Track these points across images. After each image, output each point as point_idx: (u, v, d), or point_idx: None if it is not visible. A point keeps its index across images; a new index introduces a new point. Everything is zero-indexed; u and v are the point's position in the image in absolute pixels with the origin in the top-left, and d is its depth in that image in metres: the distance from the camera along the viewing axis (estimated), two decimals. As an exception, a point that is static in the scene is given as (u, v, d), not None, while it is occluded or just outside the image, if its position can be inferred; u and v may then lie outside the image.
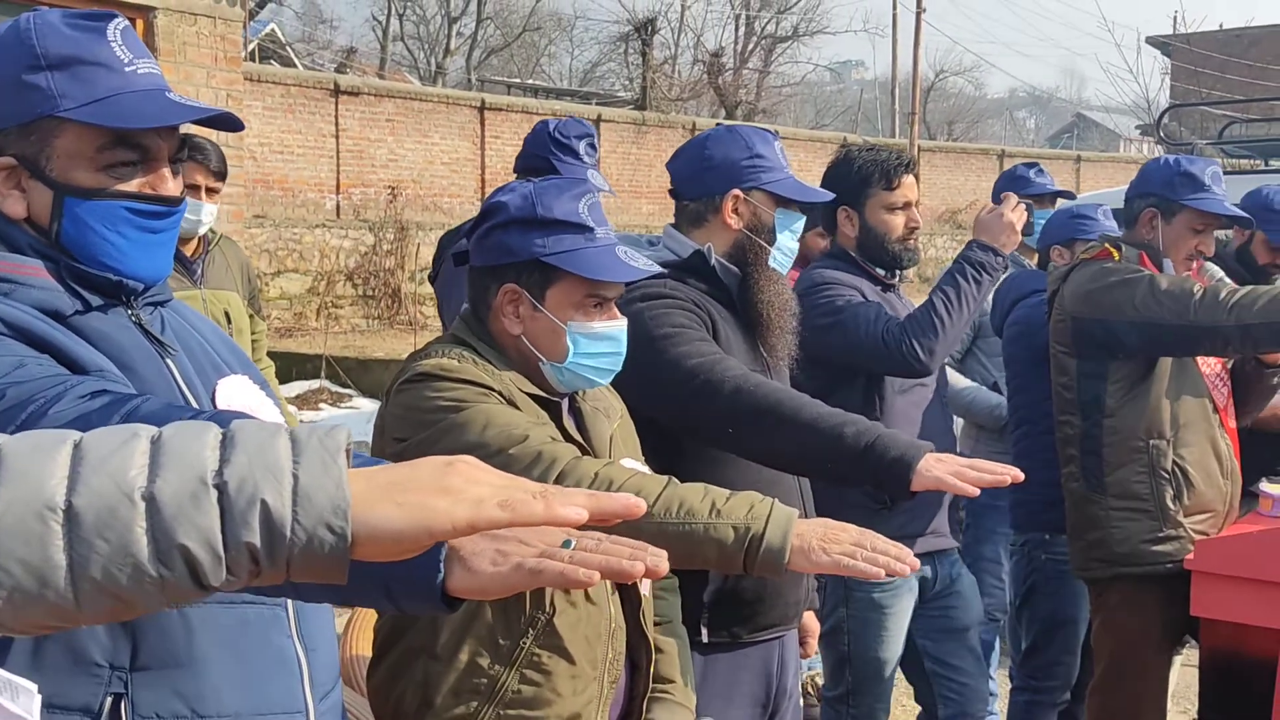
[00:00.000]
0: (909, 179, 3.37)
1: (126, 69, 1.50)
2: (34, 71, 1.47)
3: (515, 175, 3.68)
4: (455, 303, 3.54)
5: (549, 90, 32.61)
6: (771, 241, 2.62)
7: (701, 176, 2.68)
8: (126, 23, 1.55)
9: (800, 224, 2.68)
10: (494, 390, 2.01)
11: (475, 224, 2.16)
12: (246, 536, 0.93)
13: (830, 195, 2.72)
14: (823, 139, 26.41)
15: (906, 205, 3.36)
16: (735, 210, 2.63)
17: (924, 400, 3.36)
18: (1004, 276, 3.83)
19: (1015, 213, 3.23)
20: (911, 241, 3.36)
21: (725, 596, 2.56)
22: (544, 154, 3.57)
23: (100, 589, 0.91)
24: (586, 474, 1.88)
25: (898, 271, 3.44)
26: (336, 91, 18.05)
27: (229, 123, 1.56)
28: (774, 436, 2.38)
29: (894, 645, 3.37)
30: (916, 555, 3.22)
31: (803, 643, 2.91)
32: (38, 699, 1.09)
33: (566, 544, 1.16)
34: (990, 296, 3.76)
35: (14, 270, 1.47)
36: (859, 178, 3.39)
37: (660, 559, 1.14)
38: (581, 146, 3.59)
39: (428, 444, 1.91)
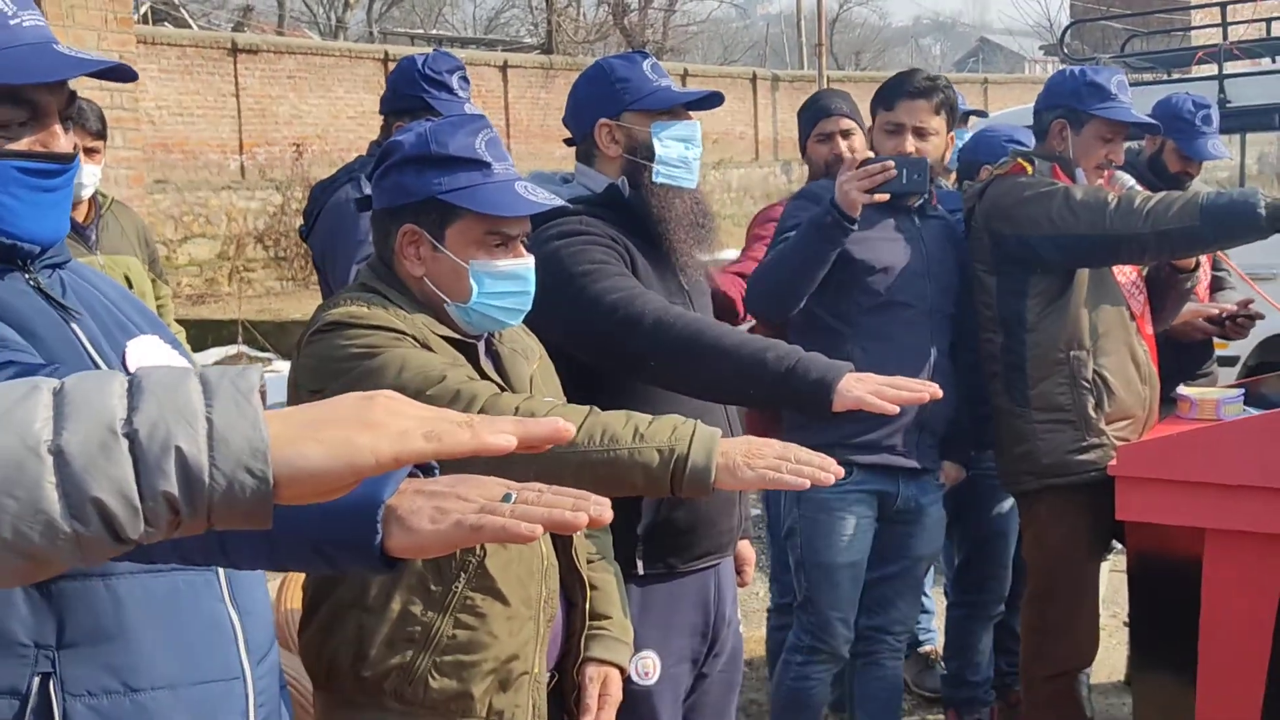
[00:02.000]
0: (912, 104, 3.36)
1: (11, 22, 1.42)
2: None
3: (383, 118, 3.60)
4: (338, 255, 3.45)
5: (453, 39, 32.13)
6: (650, 158, 2.58)
7: (576, 117, 2.69)
8: None
9: (684, 129, 2.61)
10: (407, 334, 1.97)
11: (374, 166, 2.10)
12: (163, 485, 0.89)
13: (696, 94, 2.64)
14: (731, 74, 26.39)
15: (899, 130, 3.35)
16: (612, 138, 2.61)
17: (905, 319, 3.35)
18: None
19: (853, 179, 3.14)
20: None
21: (659, 528, 2.55)
22: (415, 92, 3.46)
23: (11, 549, 0.87)
24: (507, 408, 1.85)
25: (914, 196, 3.34)
26: (235, 50, 17.65)
27: (122, 74, 1.48)
28: (696, 366, 2.37)
29: (846, 551, 3.37)
30: (870, 469, 3.32)
31: (740, 571, 2.91)
32: None
33: (507, 498, 1.12)
34: None
35: None
36: (875, 97, 3.48)
37: (604, 507, 1.10)
38: (454, 80, 3.49)
39: (343, 392, 1.86)
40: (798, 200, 3.52)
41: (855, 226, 3.18)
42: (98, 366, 1.47)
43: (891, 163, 3.17)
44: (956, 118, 3.59)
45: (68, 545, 0.88)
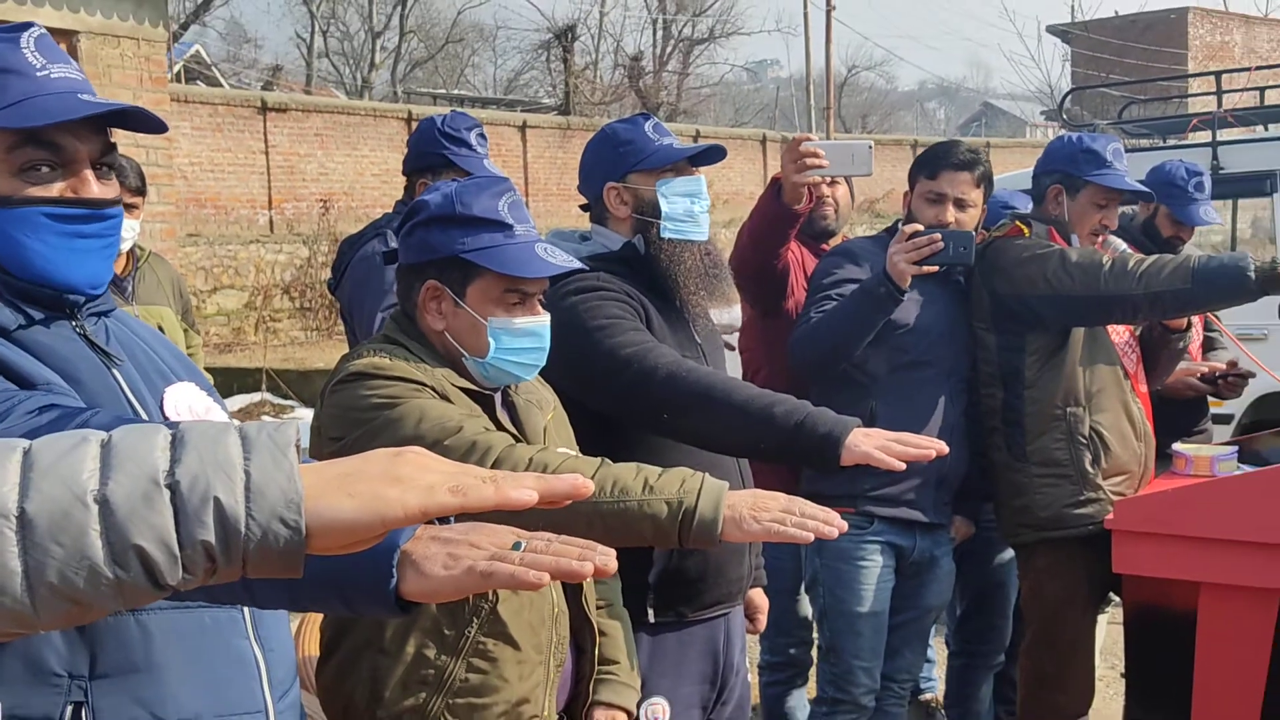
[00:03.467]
0: (954, 175, 3.37)
1: (39, 74, 1.44)
2: None
3: (406, 177, 3.64)
4: (364, 307, 3.49)
5: (474, 99, 32.43)
6: (657, 214, 2.60)
7: (587, 182, 2.72)
8: (43, 31, 1.50)
9: (688, 184, 2.62)
10: (426, 385, 1.98)
11: (401, 223, 2.13)
12: (201, 534, 0.90)
13: (696, 149, 2.63)
14: (742, 136, 26.55)
15: (941, 199, 3.37)
16: (620, 200, 2.64)
17: (926, 378, 3.37)
18: None
19: (902, 251, 3.19)
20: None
21: (669, 577, 2.55)
22: (436, 150, 3.49)
23: (57, 593, 0.88)
24: (521, 460, 1.86)
25: (948, 265, 3.31)
26: (264, 109, 17.82)
27: (147, 122, 1.48)
28: (707, 420, 2.37)
29: (867, 599, 3.37)
30: (889, 522, 3.33)
31: (751, 619, 2.91)
32: None
33: (516, 546, 1.14)
34: None
35: None
36: (916, 161, 3.51)
37: (609, 558, 1.12)
38: (473, 137, 3.53)
39: (364, 441, 1.88)
40: (832, 256, 3.53)
41: (905, 297, 3.22)
42: (136, 411, 1.49)
43: (939, 235, 3.20)
44: (991, 189, 3.59)
45: (110, 590, 0.90)
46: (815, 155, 3.00)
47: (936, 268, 3.25)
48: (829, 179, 3.69)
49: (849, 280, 3.35)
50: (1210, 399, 4.20)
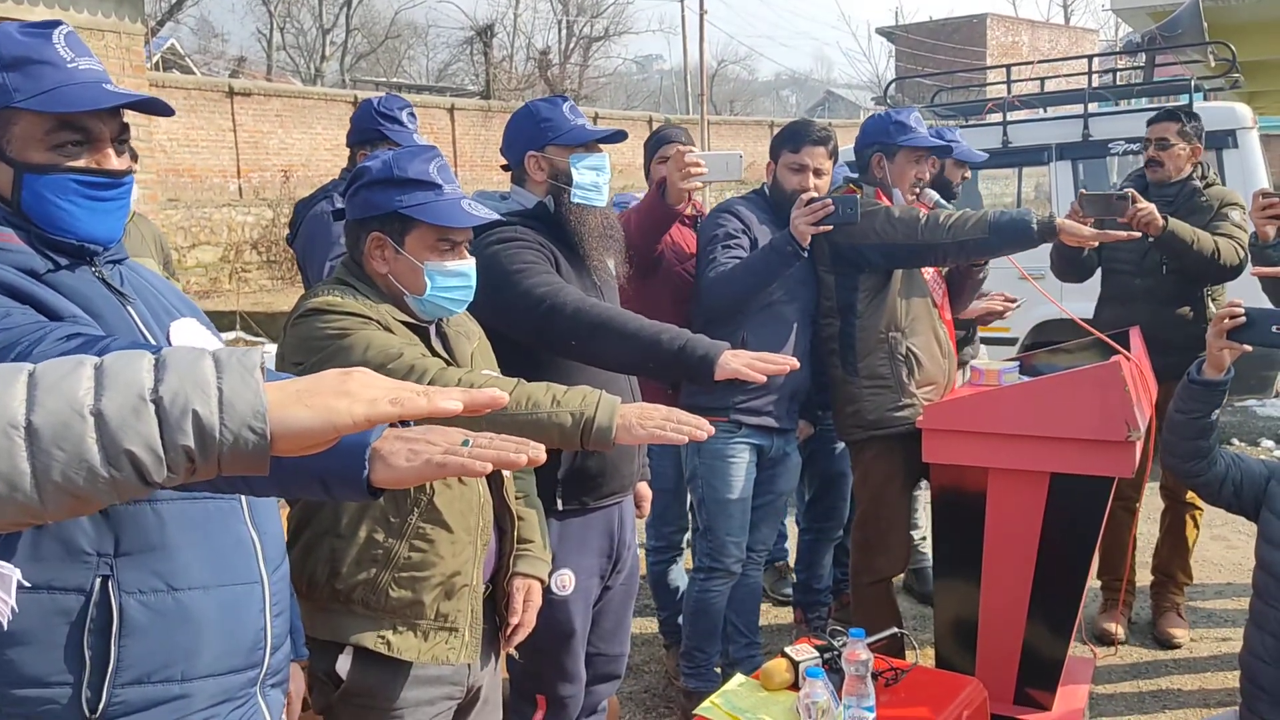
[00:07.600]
0: (813, 149, 3.33)
1: (69, 65, 1.43)
2: None
3: (349, 149, 3.55)
4: (316, 257, 3.40)
5: (410, 86, 31.58)
6: (569, 183, 2.57)
7: (511, 148, 2.66)
8: (70, 29, 1.48)
9: (596, 160, 2.59)
10: (372, 319, 1.95)
11: (346, 186, 2.08)
12: (182, 440, 0.90)
13: (605, 132, 2.58)
14: (633, 117, 26.29)
15: (803, 169, 3.34)
16: (538, 166, 2.59)
17: (785, 314, 3.36)
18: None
19: (803, 215, 3.17)
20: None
21: (574, 473, 2.56)
22: (374, 126, 3.43)
23: (60, 490, 0.88)
24: (451, 380, 1.84)
25: (839, 224, 3.25)
26: (231, 94, 17.13)
27: (158, 108, 1.48)
28: (607, 345, 2.37)
29: (736, 488, 3.40)
30: (753, 428, 3.37)
31: (638, 505, 2.93)
32: (15, 575, 1.04)
33: (465, 443, 1.14)
34: None
35: None
36: (780, 136, 3.43)
37: (539, 451, 1.12)
38: (404, 115, 3.46)
39: (319, 365, 1.85)
40: (718, 212, 3.47)
41: (806, 254, 3.20)
42: (148, 341, 1.47)
43: (830, 201, 3.18)
44: (838, 160, 3.57)
45: (105, 487, 0.89)
46: (698, 164, 2.97)
47: (831, 227, 3.23)
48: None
49: (733, 232, 3.35)
50: (996, 325, 4.30)
